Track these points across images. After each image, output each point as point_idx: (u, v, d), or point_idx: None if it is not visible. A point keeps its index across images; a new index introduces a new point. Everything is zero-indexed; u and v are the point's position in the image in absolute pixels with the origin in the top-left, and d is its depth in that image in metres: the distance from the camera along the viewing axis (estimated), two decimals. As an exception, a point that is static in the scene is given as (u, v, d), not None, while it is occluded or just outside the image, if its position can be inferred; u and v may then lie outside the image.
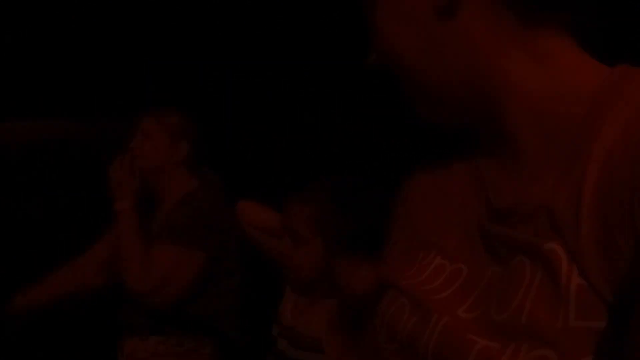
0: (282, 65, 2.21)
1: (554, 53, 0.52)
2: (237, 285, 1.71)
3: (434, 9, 0.53)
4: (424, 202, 0.68)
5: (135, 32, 2.28)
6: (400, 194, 0.74)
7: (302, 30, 2.09)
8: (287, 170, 2.09)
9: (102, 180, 1.83)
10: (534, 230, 0.49)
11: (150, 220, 1.76)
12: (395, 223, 0.72)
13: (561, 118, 0.51)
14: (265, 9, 2.20)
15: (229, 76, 2.31)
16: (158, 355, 1.58)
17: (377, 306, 0.64)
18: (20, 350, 1.77)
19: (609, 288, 0.42)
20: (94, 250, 1.82)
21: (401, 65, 0.58)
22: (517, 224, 0.51)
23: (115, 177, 1.69)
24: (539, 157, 0.52)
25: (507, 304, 0.48)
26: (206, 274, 1.63)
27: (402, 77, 0.60)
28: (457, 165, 0.65)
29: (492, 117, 0.56)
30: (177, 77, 2.28)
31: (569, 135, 0.49)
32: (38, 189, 2.26)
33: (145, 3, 2.24)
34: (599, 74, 0.52)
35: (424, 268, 0.60)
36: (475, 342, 0.48)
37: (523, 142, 0.53)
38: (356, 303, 1.35)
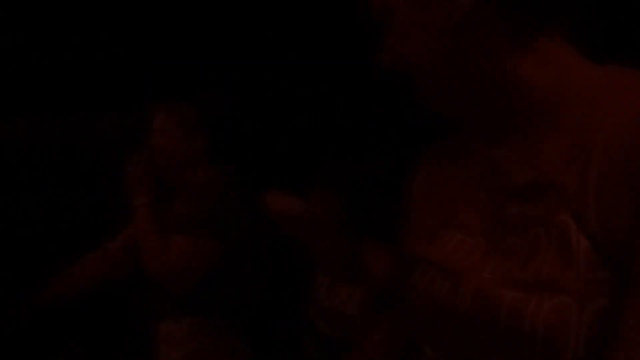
0: (288, 60, 2.24)
1: (552, 55, 0.61)
2: (262, 270, 1.76)
3: (453, 21, 0.60)
4: (438, 185, 0.75)
5: (136, 27, 2.31)
6: (415, 178, 0.80)
7: (304, 30, 2.12)
8: (294, 161, 2.14)
9: (104, 176, 1.89)
10: (547, 205, 0.57)
11: (165, 210, 1.80)
12: (413, 205, 0.79)
13: (564, 109, 0.59)
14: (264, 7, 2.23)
15: (233, 72, 2.34)
16: (192, 335, 1.66)
17: (409, 280, 0.71)
18: (51, 337, 1.82)
19: (611, 247, 0.51)
20: (121, 237, 1.88)
21: (419, 67, 0.65)
22: (531, 200, 0.59)
23: (134, 174, 1.74)
24: (547, 142, 0.60)
25: (529, 264, 0.56)
26: (223, 262, 1.68)
27: (418, 78, 0.66)
28: (466, 152, 0.72)
29: (504, 111, 0.64)
30: (178, 73, 2.31)
31: (572, 123, 0.58)
32: (38, 186, 2.30)
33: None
34: (593, 73, 0.60)
35: (446, 244, 0.67)
36: (504, 295, 0.56)
37: (532, 129, 0.62)
38: (381, 285, 1.42)
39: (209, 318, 1.68)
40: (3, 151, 2.30)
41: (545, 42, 0.61)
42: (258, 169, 1.96)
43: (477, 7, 0.59)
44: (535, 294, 0.53)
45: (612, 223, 0.51)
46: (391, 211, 0.95)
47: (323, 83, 2.13)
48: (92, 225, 2.11)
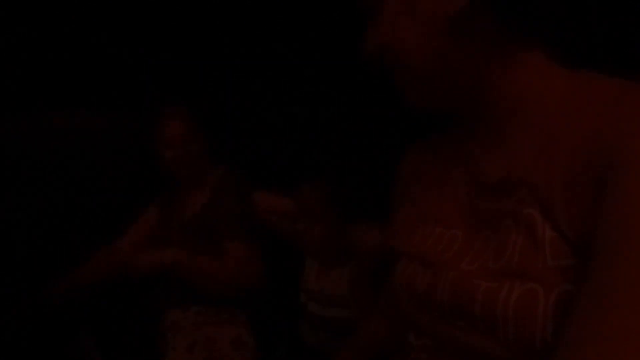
0: (283, 61, 2.23)
1: (528, 61, 0.64)
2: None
3: (447, 18, 0.62)
4: (419, 181, 0.79)
5: (135, 26, 2.27)
6: (398, 175, 0.86)
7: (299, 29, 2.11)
8: (283, 164, 2.15)
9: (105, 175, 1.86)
10: (516, 200, 0.62)
11: (173, 211, 1.83)
12: (395, 200, 0.84)
13: (534, 112, 0.64)
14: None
15: (228, 72, 2.33)
16: (197, 324, 1.69)
17: (393, 273, 0.76)
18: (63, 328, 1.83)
19: (575, 236, 0.55)
20: (130, 233, 1.89)
21: (404, 58, 0.66)
22: (502, 196, 0.64)
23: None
24: (518, 141, 0.64)
25: (501, 255, 0.61)
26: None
27: (401, 68, 0.68)
28: (447, 147, 0.77)
29: (480, 109, 0.68)
30: (176, 73, 2.29)
31: (541, 124, 0.62)
32: (38, 185, 2.27)
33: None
34: (564, 78, 0.64)
35: (426, 237, 0.72)
36: (479, 285, 0.61)
37: (504, 129, 0.66)
38: (370, 260, 1.49)
39: (215, 307, 1.71)
40: (3, 149, 2.24)
41: (522, 49, 0.64)
42: (251, 165, 1.96)
43: (469, 6, 0.61)
44: (507, 282, 0.58)
45: (576, 214, 0.55)
46: (378, 198, 0.99)
47: (310, 78, 2.13)
48: (96, 224, 2.10)
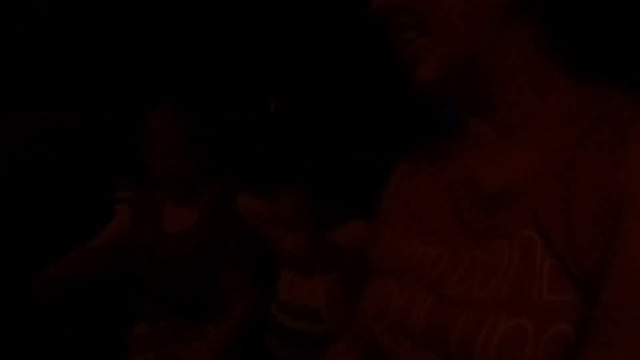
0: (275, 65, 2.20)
1: (547, 73, 0.60)
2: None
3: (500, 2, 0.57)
4: (409, 194, 0.72)
5: (131, 24, 2.24)
6: (387, 186, 0.78)
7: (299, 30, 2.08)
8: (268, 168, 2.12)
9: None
10: (514, 217, 0.55)
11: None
12: (381, 212, 0.76)
13: (544, 126, 0.58)
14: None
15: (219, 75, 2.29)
16: (165, 341, 1.63)
17: (367, 289, 0.68)
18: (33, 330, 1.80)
19: (579, 271, 0.48)
20: (105, 233, 1.81)
21: (436, 18, 0.59)
22: (500, 209, 0.57)
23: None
24: (524, 154, 0.58)
25: (488, 281, 0.53)
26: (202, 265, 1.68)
27: (426, 27, 0.60)
28: (441, 158, 0.70)
29: (487, 112, 0.62)
30: (170, 72, 2.25)
31: (550, 140, 0.57)
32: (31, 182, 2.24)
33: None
34: (576, 93, 0.59)
35: (409, 255, 0.65)
36: (459, 315, 0.53)
37: (511, 138, 0.61)
38: (348, 274, 1.41)
39: (185, 321, 1.65)
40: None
41: (545, 60, 0.60)
42: (234, 167, 1.92)
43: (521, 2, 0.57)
44: (491, 315, 0.50)
45: (582, 245, 0.48)
46: (358, 205, 0.94)
47: (291, 82, 2.09)
48: (74, 224, 2.04)
